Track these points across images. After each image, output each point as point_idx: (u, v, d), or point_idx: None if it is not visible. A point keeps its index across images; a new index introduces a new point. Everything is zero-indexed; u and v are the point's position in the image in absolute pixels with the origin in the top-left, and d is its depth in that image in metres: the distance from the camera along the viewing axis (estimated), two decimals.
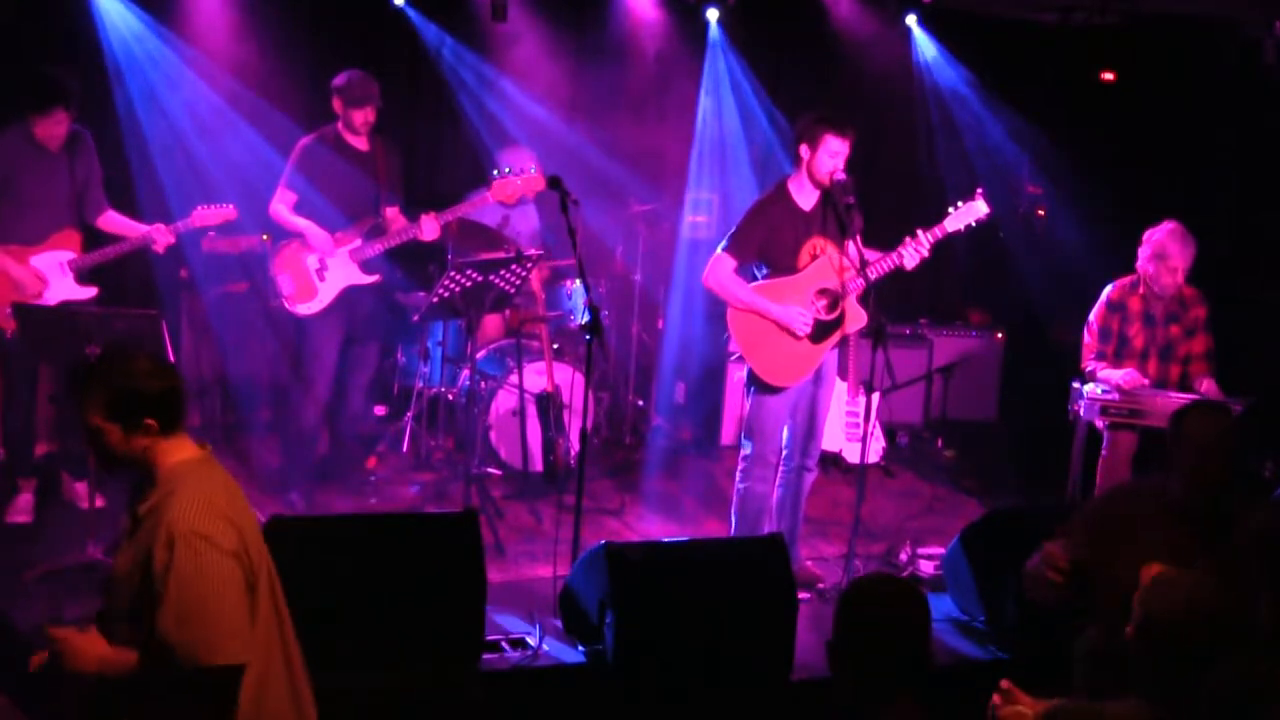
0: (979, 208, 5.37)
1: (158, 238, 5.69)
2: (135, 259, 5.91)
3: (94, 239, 5.81)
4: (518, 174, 6.01)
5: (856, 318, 5.38)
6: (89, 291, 5.68)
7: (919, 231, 5.31)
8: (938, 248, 5.38)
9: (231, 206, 5.92)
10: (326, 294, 6.03)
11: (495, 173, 6.08)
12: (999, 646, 4.95)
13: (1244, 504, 3.79)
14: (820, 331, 5.32)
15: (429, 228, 5.91)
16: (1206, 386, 5.70)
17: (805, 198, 5.32)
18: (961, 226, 5.37)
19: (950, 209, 5.39)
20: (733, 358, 5.49)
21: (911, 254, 5.28)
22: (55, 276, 5.62)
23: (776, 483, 5.53)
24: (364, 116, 5.98)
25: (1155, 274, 5.77)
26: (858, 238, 5.29)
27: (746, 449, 5.46)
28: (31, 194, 5.59)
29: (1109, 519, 3.95)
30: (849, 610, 2.82)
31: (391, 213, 6.13)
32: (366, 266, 6.07)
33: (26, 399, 5.79)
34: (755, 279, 5.40)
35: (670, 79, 8.20)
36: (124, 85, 6.78)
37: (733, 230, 5.37)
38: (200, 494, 2.88)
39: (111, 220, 5.81)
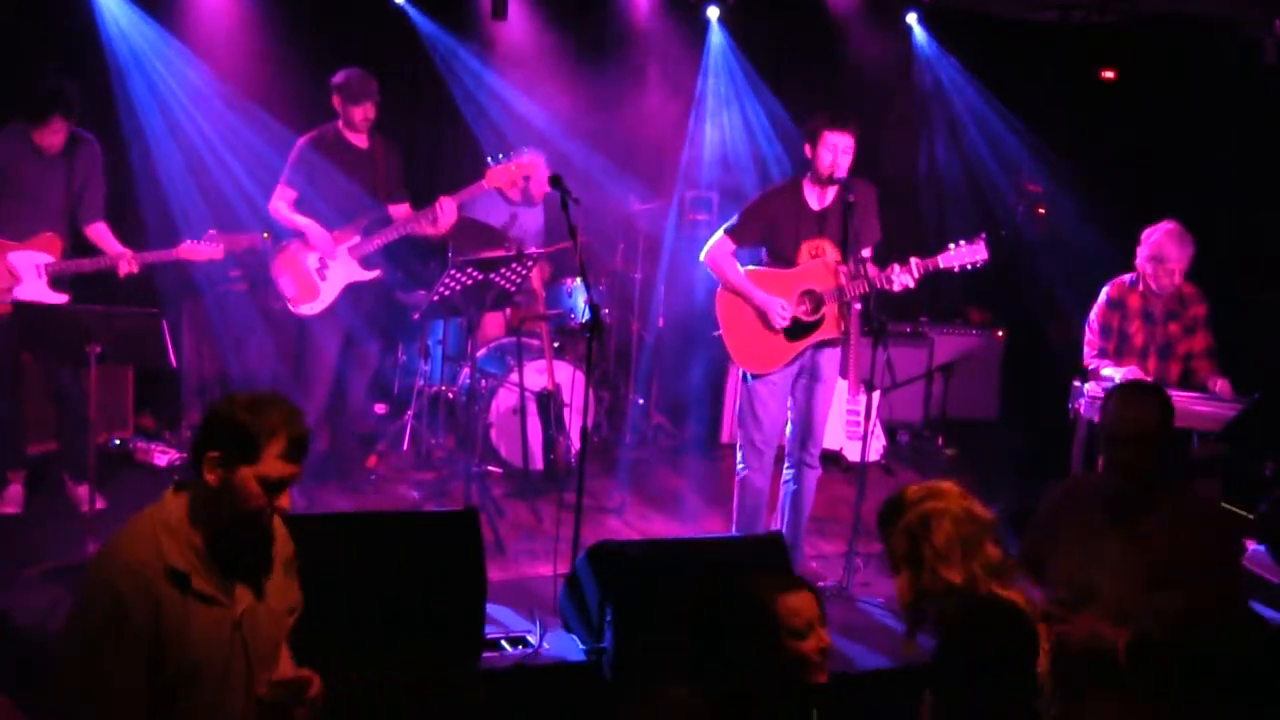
0: (978, 252, 5.37)
1: (122, 264, 5.63)
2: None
3: (79, 249, 5.78)
4: (510, 160, 6.03)
5: (835, 325, 5.39)
6: (60, 297, 5.60)
7: (913, 260, 5.31)
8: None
9: (220, 248, 5.84)
10: (329, 293, 6.04)
11: (489, 160, 6.10)
12: None
13: (1166, 486, 3.78)
14: (797, 330, 5.35)
15: (448, 209, 5.90)
16: (1221, 386, 5.68)
17: (814, 196, 5.35)
18: (956, 265, 5.38)
19: (951, 245, 5.39)
20: (715, 334, 5.52)
21: (899, 280, 5.29)
22: (29, 276, 5.57)
23: (783, 479, 5.55)
24: (364, 113, 5.98)
25: (1154, 274, 5.78)
26: (870, 247, 5.33)
27: (739, 437, 5.55)
28: (23, 193, 5.59)
29: (1049, 513, 3.92)
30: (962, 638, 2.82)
31: (398, 211, 6.13)
32: (366, 262, 6.08)
33: (12, 391, 5.74)
34: (758, 263, 5.45)
35: (671, 78, 8.20)
36: (125, 85, 6.78)
37: (738, 213, 5.44)
38: None
39: (99, 232, 5.76)
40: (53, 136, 5.53)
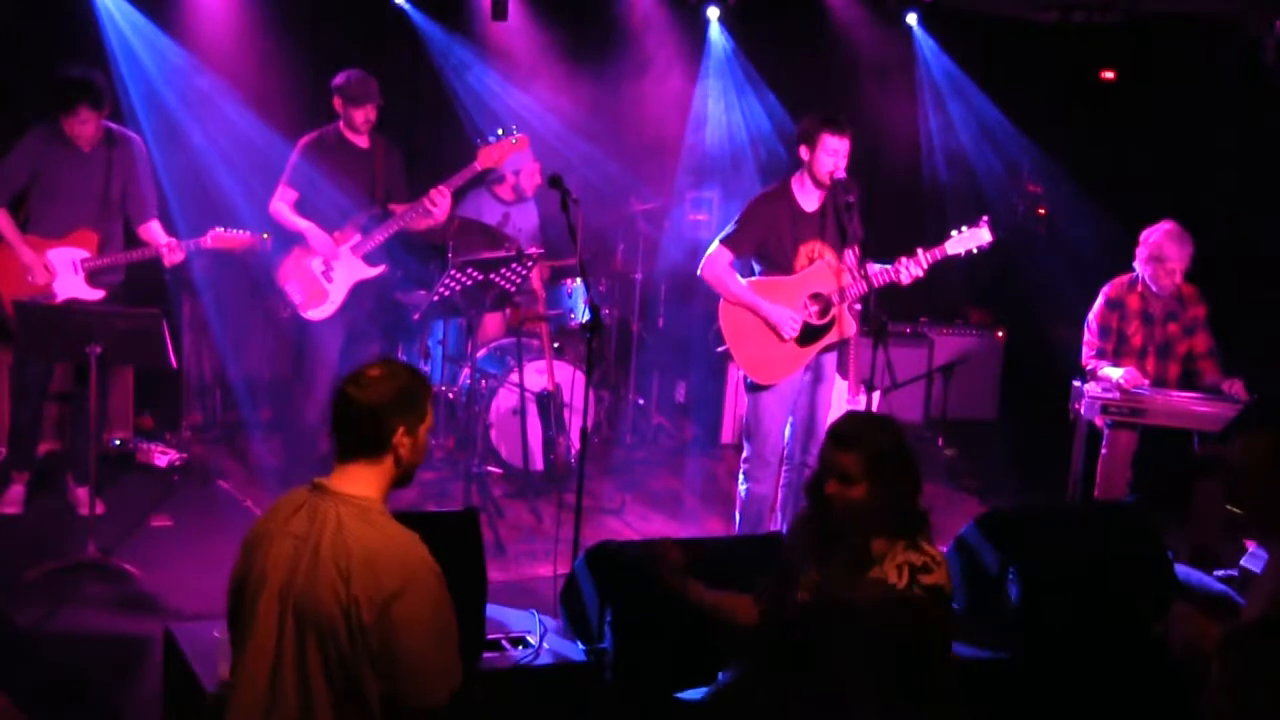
0: (982, 235, 5.37)
1: (166, 254, 5.68)
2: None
3: (131, 242, 5.81)
4: (500, 140, 6.02)
5: (847, 326, 5.38)
6: (97, 294, 5.67)
7: (919, 250, 5.31)
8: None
9: (249, 234, 5.84)
10: (337, 294, 6.04)
11: (478, 141, 6.09)
12: (999, 646, 4.94)
13: None
14: (808, 335, 5.33)
15: (440, 198, 5.89)
16: (1236, 388, 5.67)
17: (807, 199, 5.33)
18: (962, 251, 5.37)
19: (954, 232, 5.38)
20: (720, 349, 5.49)
21: (908, 272, 5.29)
22: (66, 273, 5.62)
23: (781, 483, 5.53)
24: (365, 115, 5.99)
25: (1153, 275, 5.78)
26: (857, 246, 5.29)
27: (746, 449, 5.47)
28: (58, 189, 5.62)
29: None
30: None
31: (401, 210, 6.14)
32: (370, 259, 6.08)
33: (37, 397, 5.80)
34: (752, 274, 5.42)
35: (671, 77, 8.20)
36: (125, 86, 6.77)
37: (732, 223, 5.39)
38: None
39: (150, 231, 5.80)
40: (82, 126, 5.53)
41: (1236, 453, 3.32)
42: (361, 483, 2.78)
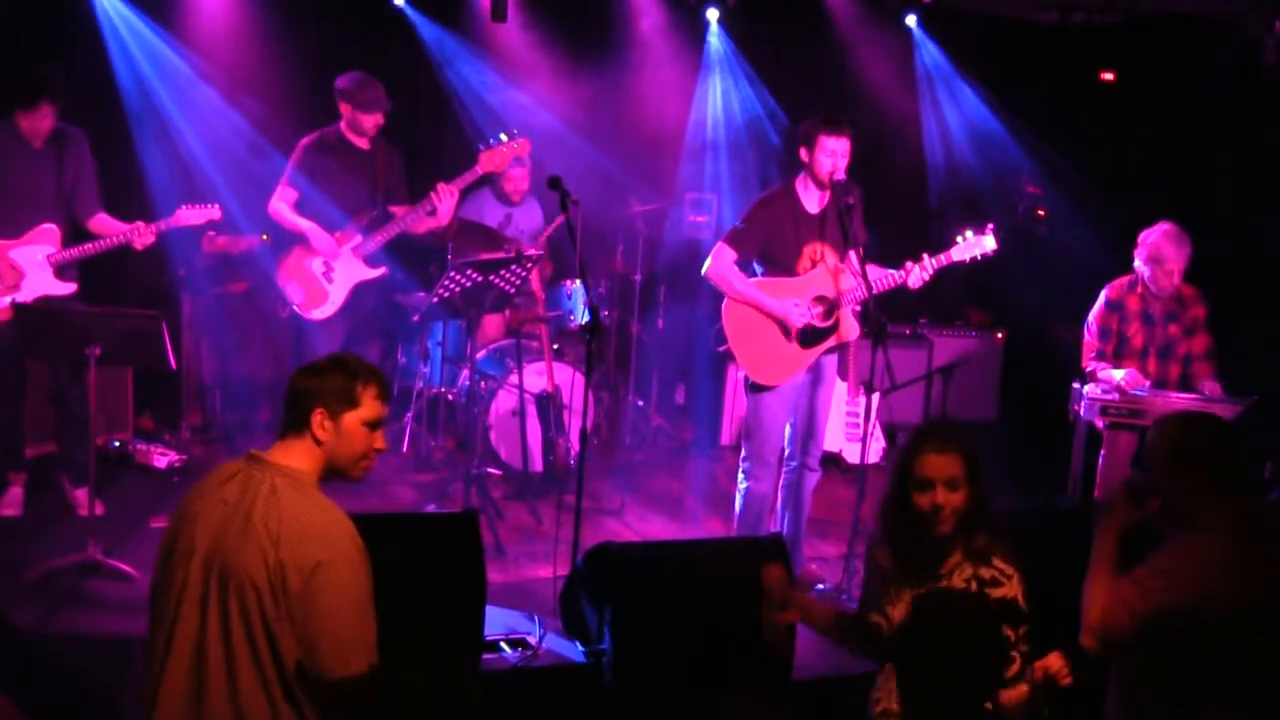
0: (987, 242, 5.39)
1: (135, 238, 5.62)
2: (138, 259, 5.90)
3: (77, 236, 5.77)
4: (502, 144, 6.03)
5: (850, 329, 5.39)
6: (68, 287, 5.63)
7: (925, 256, 5.32)
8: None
9: (216, 206, 5.83)
10: (338, 295, 6.04)
11: (480, 146, 6.10)
12: None
13: None
14: (811, 337, 5.33)
15: (446, 195, 5.88)
16: (1210, 388, 5.68)
17: (810, 200, 5.33)
18: (967, 258, 5.39)
19: (959, 238, 5.40)
20: (721, 349, 5.50)
21: (916, 276, 5.30)
22: (33, 270, 5.58)
23: (780, 484, 5.53)
24: (374, 121, 6.01)
25: (1152, 276, 5.77)
26: (859, 249, 5.29)
27: (745, 450, 5.47)
28: (13, 188, 5.58)
29: None
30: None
31: (400, 211, 6.14)
32: (371, 261, 6.08)
33: (15, 393, 5.76)
34: (754, 276, 5.42)
35: (670, 79, 8.20)
36: (123, 86, 6.78)
37: (737, 223, 5.40)
38: None
39: (102, 222, 5.76)
40: (40, 122, 5.51)
41: (1151, 438, 3.33)
42: (292, 455, 2.89)
